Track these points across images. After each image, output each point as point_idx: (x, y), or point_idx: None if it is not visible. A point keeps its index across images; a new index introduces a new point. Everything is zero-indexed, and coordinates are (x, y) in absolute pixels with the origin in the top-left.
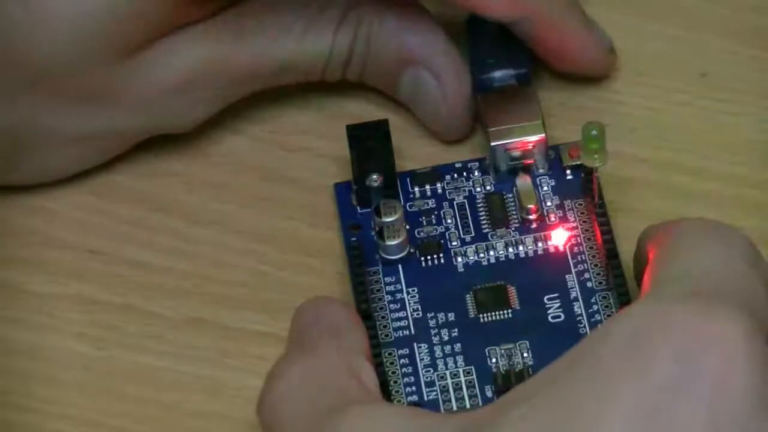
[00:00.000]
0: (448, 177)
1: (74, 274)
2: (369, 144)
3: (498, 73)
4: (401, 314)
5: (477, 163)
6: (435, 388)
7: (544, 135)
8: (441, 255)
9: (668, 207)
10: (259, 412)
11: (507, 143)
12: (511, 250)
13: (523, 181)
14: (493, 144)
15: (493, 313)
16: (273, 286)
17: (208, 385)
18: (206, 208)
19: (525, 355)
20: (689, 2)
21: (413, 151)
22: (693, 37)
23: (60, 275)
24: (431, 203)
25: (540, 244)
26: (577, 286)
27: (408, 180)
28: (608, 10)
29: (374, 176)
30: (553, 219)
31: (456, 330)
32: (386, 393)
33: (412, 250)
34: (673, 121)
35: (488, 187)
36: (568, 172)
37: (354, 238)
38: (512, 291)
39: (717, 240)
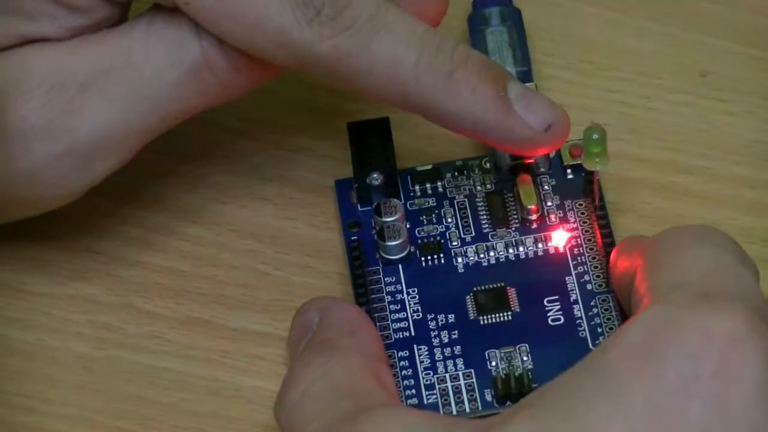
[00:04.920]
0: (448, 175)
1: (74, 274)
2: (370, 141)
3: None
4: (401, 315)
5: (477, 162)
6: (435, 392)
7: None
8: (441, 255)
9: (668, 207)
10: (277, 413)
11: None
12: (511, 250)
13: (524, 180)
14: None
15: (493, 315)
16: (273, 286)
17: (208, 385)
18: (206, 208)
19: (525, 358)
20: (689, 2)
21: (414, 149)
22: (693, 37)
23: (60, 275)
24: (432, 202)
25: (540, 245)
26: (577, 288)
27: (409, 178)
28: (608, 10)
29: (375, 174)
30: (553, 219)
31: (456, 332)
32: None
33: (412, 250)
34: (673, 121)
35: (489, 186)
36: (569, 171)
37: (354, 237)
38: (512, 293)
39: (705, 241)
